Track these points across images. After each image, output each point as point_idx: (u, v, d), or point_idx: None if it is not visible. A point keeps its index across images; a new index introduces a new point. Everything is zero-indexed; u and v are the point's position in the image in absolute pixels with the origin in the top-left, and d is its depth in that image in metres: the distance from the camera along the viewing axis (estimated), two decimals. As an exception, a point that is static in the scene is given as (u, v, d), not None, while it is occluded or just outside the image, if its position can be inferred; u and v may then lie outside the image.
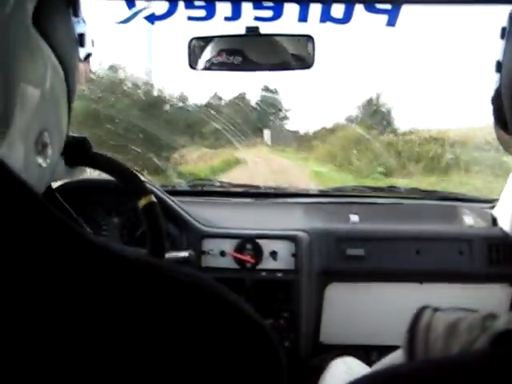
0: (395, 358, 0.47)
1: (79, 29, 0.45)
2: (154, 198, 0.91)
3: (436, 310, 0.44)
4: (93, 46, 0.49)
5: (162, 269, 0.30)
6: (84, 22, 0.46)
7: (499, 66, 0.44)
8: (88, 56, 0.48)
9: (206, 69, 1.08)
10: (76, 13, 0.44)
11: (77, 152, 0.78)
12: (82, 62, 0.46)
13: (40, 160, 0.39)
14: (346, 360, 0.99)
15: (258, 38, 1.04)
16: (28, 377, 0.24)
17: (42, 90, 0.37)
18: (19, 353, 0.24)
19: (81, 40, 0.45)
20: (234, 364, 0.28)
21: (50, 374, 0.24)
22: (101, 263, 0.27)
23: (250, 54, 1.04)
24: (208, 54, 1.07)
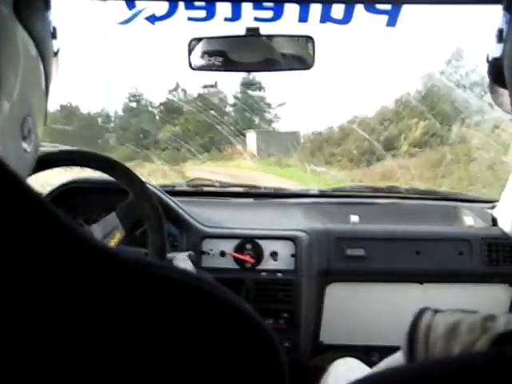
0: (396, 359, 0.47)
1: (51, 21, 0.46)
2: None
3: (436, 311, 0.44)
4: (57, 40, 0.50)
5: (162, 270, 0.30)
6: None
7: (501, 34, 0.44)
8: (58, 51, 0.49)
9: (199, 69, 1.09)
10: (48, 5, 0.45)
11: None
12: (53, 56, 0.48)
13: (25, 145, 0.40)
14: (348, 360, 0.99)
15: (242, 38, 1.04)
16: (23, 379, 0.24)
17: (23, 77, 0.39)
18: (16, 353, 0.24)
19: (54, 32, 0.46)
20: (234, 366, 0.28)
21: (46, 376, 0.24)
22: (99, 265, 0.27)
23: (231, 55, 1.04)
24: (196, 55, 1.08)
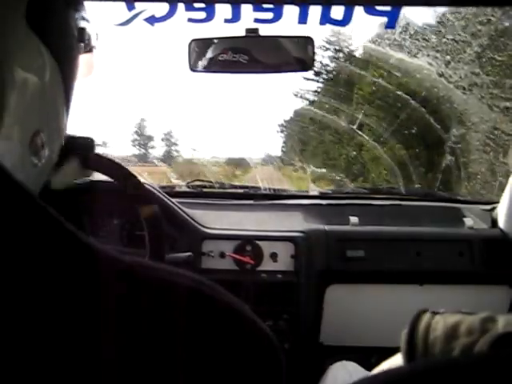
0: (395, 361, 0.47)
1: (80, 23, 0.43)
2: (156, 208, 0.92)
3: (435, 313, 0.44)
4: (97, 39, 0.47)
5: (162, 273, 0.30)
6: (85, 18, 0.44)
7: None
8: (91, 49, 0.46)
9: (207, 70, 1.08)
10: (76, 7, 0.42)
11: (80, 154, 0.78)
12: (85, 53, 0.45)
13: (35, 159, 0.38)
14: (346, 364, 0.99)
15: (259, 39, 1.04)
16: (22, 378, 0.24)
17: (36, 88, 0.36)
18: (13, 356, 0.24)
19: (81, 35, 0.43)
20: (233, 368, 0.28)
21: (44, 378, 0.24)
22: (97, 267, 0.27)
23: (255, 53, 1.04)
24: (211, 53, 1.07)
